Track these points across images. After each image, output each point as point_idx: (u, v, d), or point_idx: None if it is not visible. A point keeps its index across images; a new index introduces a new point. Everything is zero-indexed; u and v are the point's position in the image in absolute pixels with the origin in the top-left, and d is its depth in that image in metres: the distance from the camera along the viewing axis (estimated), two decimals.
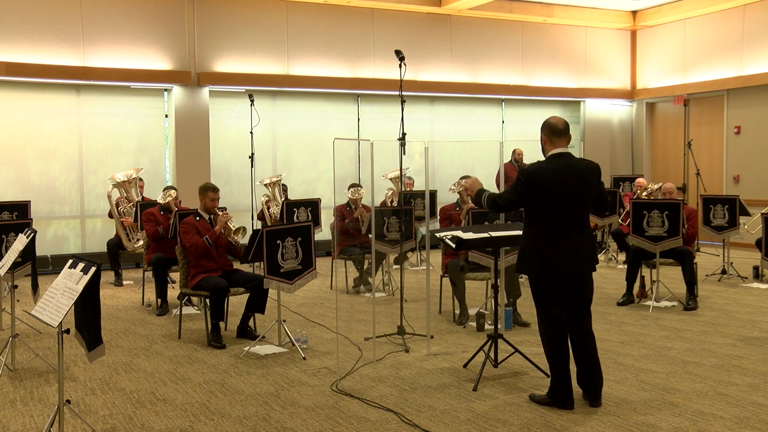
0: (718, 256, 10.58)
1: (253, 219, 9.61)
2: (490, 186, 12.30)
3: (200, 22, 11.23)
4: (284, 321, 6.24)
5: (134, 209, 8.93)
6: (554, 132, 4.54)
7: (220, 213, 6.63)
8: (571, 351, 4.58)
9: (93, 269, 3.73)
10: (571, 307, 4.55)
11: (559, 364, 4.51)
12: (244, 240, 6.49)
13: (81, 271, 3.76)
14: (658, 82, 14.18)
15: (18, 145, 10.48)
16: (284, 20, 11.75)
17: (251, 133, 9.43)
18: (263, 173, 11.26)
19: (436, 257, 10.33)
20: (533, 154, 12.49)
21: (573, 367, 4.56)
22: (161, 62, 11.00)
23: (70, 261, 3.90)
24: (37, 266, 5.90)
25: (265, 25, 11.64)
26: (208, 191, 6.67)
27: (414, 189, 11.04)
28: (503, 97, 13.59)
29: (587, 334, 4.56)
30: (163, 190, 8.37)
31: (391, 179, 10.47)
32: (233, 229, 6.54)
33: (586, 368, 4.55)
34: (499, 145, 6.62)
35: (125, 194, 9.33)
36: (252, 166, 9.41)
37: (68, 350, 5.96)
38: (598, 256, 7.84)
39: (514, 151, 11.92)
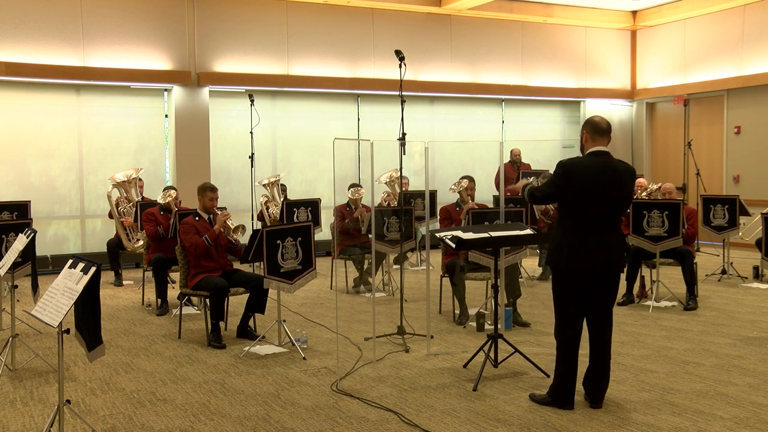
0: (718, 256, 10.58)
1: (252, 219, 9.60)
2: (490, 186, 12.32)
3: (200, 22, 11.23)
4: (284, 321, 6.23)
5: (134, 209, 8.93)
6: (597, 130, 4.55)
7: (219, 212, 6.63)
8: (586, 351, 4.56)
9: (93, 269, 3.73)
10: (593, 308, 4.52)
11: (566, 363, 4.50)
12: (243, 240, 6.49)
13: (81, 271, 3.76)
14: (658, 82, 14.18)
15: (18, 145, 10.48)
16: (284, 20, 11.75)
17: (251, 133, 9.43)
18: (263, 173, 11.25)
19: (436, 257, 10.32)
20: (532, 154, 12.56)
21: (578, 369, 4.55)
22: (161, 62, 11.00)
23: (70, 261, 3.90)
24: (37, 266, 5.90)
25: (265, 25, 11.64)
26: (207, 191, 6.67)
27: (414, 189, 11.01)
28: (503, 97, 13.59)
29: (606, 341, 4.53)
30: (163, 190, 8.37)
31: (386, 183, 10.28)
32: (232, 227, 6.54)
33: (597, 372, 4.54)
34: (499, 145, 6.61)
35: (125, 194, 9.33)
36: (252, 166, 9.41)
37: (68, 350, 5.96)
38: None
39: (511, 152, 11.89)
